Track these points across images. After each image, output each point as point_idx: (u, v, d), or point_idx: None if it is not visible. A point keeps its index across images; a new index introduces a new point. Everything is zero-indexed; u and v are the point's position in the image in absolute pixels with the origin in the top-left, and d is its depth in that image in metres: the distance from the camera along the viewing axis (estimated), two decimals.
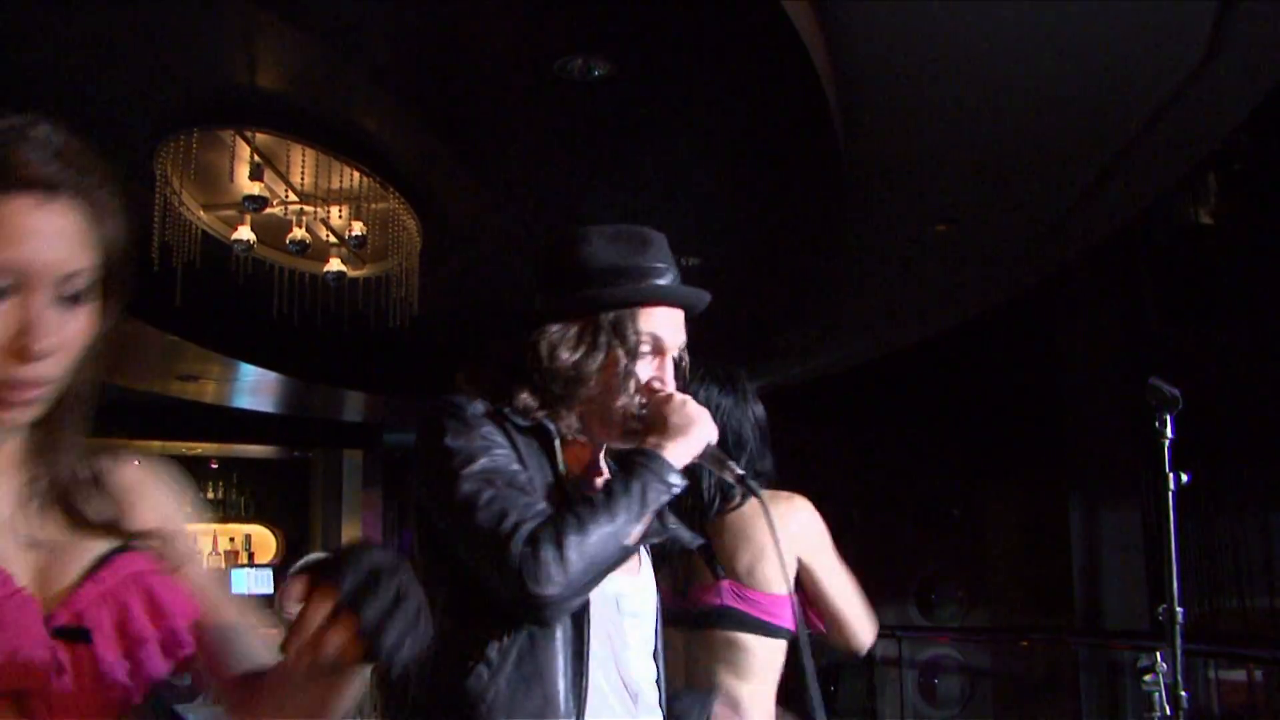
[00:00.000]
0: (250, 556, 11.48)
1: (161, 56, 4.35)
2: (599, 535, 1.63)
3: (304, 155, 5.24)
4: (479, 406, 1.78)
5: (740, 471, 1.84)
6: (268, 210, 5.62)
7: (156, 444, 10.89)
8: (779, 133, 4.85)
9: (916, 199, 5.93)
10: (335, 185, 5.58)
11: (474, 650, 1.70)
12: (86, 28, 4.05)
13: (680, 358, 1.95)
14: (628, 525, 1.67)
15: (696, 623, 2.51)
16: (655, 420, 1.80)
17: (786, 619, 2.45)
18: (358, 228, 5.85)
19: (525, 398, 1.81)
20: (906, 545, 10.26)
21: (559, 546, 1.60)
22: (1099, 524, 8.26)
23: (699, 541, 1.96)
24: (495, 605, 1.68)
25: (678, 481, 1.74)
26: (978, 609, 10.02)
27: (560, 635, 1.72)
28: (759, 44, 4.05)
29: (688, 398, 1.84)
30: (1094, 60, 4.53)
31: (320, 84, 4.69)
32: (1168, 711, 2.76)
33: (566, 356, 1.81)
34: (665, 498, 1.73)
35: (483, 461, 1.70)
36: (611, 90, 4.29)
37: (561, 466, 1.82)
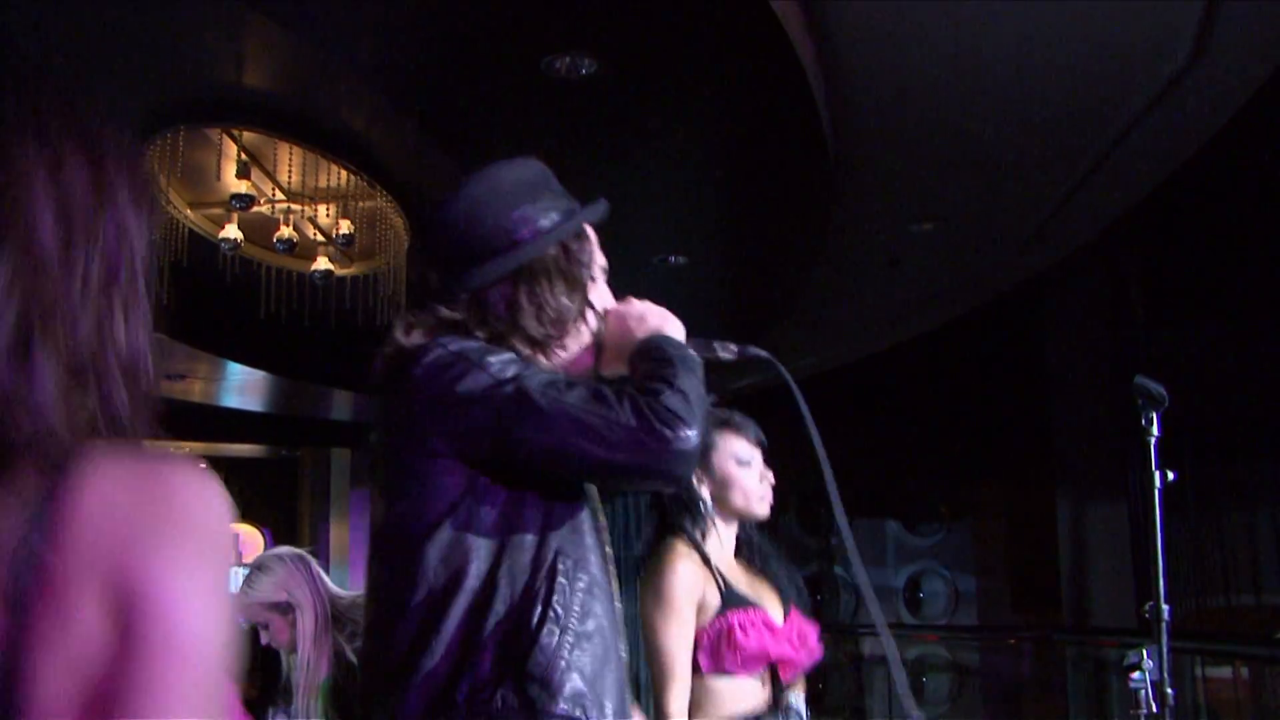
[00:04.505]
0: (238, 555, 11.45)
1: (148, 54, 4.33)
2: (694, 378, 1.59)
3: (291, 153, 5.23)
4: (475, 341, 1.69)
5: (734, 346, 1.82)
6: (255, 208, 5.62)
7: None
8: (765, 131, 4.85)
9: (901, 197, 5.94)
10: (322, 183, 5.58)
11: (533, 608, 1.58)
12: (73, 25, 4.04)
13: None
14: (698, 374, 1.63)
15: None
16: (626, 330, 1.77)
17: None
18: (345, 226, 5.85)
19: (520, 346, 1.72)
20: (894, 543, 10.29)
21: (678, 390, 1.55)
22: (1086, 522, 8.29)
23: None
24: (548, 553, 1.60)
25: (697, 356, 1.70)
26: (965, 607, 10.05)
27: (602, 585, 1.66)
28: (746, 42, 4.06)
29: (645, 301, 1.81)
30: (1080, 61, 4.55)
31: (307, 82, 4.68)
32: (1154, 708, 2.77)
33: (561, 292, 1.75)
34: (700, 363, 1.68)
35: (540, 368, 1.64)
36: (599, 88, 4.28)
37: None
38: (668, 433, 1.51)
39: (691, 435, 1.52)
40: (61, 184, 0.87)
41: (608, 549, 1.73)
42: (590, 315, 1.79)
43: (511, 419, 1.57)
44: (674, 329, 1.75)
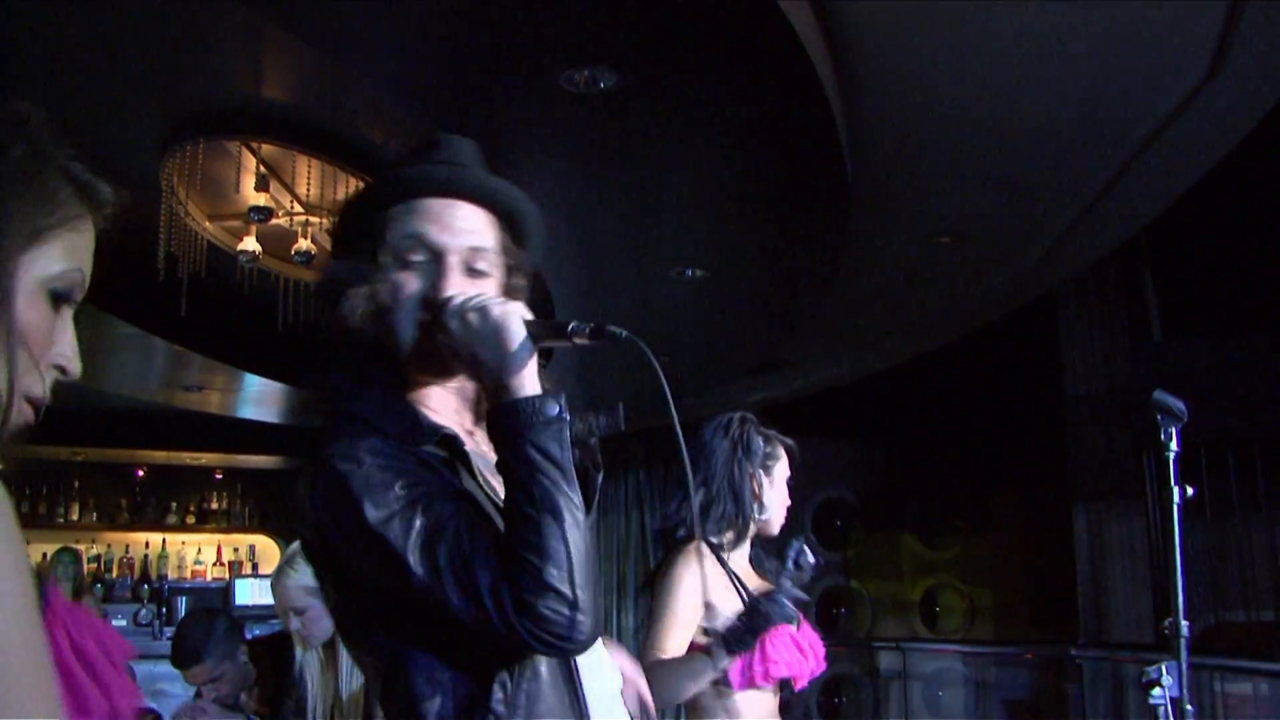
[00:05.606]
0: (254, 567, 11.46)
1: (167, 67, 4.36)
2: (562, 540, 1.38)
3: (310, 166, 5.24)
4: (365, 445, 1.55)
5: (589, 327, 1.50)
6: (273, 221, 5.63)
7: (161, 454, 10.89)
8: (784, 146, 4.85)
9: (920, 211, 5.93)
10: (341, 196, 5.59)
11: (478, 706, 1.47)
12: (91, 38, 4.06)
13: (510, 267, 1.71)
14: (570, 497, 1.42)
15: None
16: (463, 340, 1.50)
17: None
18: None
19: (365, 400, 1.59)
20: (910, 557, 10.25)
21: (550, 589, 1.36)
22: (1104, 536, 8.24)
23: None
24: (485, 654, 1.49)
25: (556, 408, 1.45)
26: (982, 621, 10.00)
27: (550, 679, 1.52)
28: (765, 56, 4.06)
29: (482, 296, 1.54)
30: (1098, 76, 4.54)
31: (326, 95, 4.70)
32: None
33: (359, 305, 1.57)
34: (567, 431, 1.46)
35: (419, 523, 1.44)
36: (617, 102, 4.29)
37: (478, 478, 1.57)
38: (560, 644, 1.38)
39: (580, 636, 1.39)
40: None
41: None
42: (401, 311, 1.58)
43: (402, 589, 1.50)
44: (506, 342, 1.48)
